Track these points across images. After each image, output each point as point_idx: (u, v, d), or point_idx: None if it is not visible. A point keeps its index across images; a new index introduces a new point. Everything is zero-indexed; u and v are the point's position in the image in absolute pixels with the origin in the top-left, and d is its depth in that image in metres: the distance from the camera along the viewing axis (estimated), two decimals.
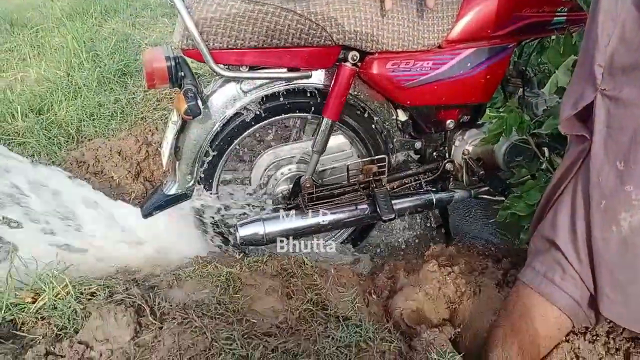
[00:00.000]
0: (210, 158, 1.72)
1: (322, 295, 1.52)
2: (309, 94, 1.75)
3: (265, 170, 1.89)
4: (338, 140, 1.90)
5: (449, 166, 2.00)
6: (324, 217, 1.80)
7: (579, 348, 1.31)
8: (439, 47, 1.73)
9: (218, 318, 1.36)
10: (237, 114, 1.69)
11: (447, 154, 2.02)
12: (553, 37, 1.86)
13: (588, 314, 1.22)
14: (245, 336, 1.31)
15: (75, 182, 1.92)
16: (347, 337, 1.36)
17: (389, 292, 1.71)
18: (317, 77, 1.73)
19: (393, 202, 1.84)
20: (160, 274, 1.56)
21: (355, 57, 1.67)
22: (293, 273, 1.61)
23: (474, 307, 1.57)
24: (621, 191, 1.08)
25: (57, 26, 4.21)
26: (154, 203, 1.73)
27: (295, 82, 1.70)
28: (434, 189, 1.99)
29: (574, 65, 1.49)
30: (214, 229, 1.85)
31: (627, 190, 1.07)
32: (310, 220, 1.78)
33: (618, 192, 1.08)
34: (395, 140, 1.91)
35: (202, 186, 1.76)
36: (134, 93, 3.12)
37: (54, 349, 1.25)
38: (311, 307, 1.47)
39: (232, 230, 1.83)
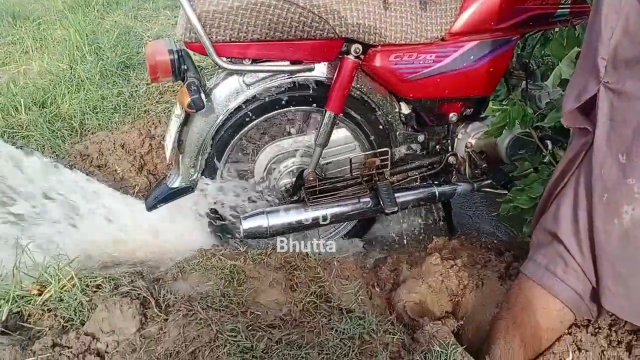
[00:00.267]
0: (213, 151, 1.73)
1: (325, 287, 1.53)
2: (311, 87, 1.75)
3: (268, 163, 1.89)
4: (341, 134, 1.90)
5: (451, 159, 2.01)
6: (327, 210, 1.80)
7: (581, 340, 1.31)
8: (442, 39, 1.73)
9: (223, 310, 1.37)
10: (240, 107, 1.69)
11: (450, 147, 2.02)
12: (556, 29, 1.86)
13: (590, 307, 1.22)
14: (250, 328, 1.32)
15: (79, 175, 1.93)
16: (350, 329, 1.36)
17: (392, 285, 1.72)
18: (320, 70, 1.73)
19: (396, 195, 1.84)
20: (165, 267, 1.57)
21: (358, 50, 1.67)
22: (296, 266, 1.62)
23: (477, 300, 1.58)
24: (623, 184, 1.08)
25: (59, 19, 4.21)
26: (158, 196, 1.74)
27: (298, 75, 1.71)
28: (436, 182, 2.00)
29: (577, 57, 1.49)
30: (217, 222, 1.86)
31: (630, 183, 1.07)
32: (313, 213, 1.79)
33: (620, 185, 1.09)
34: (398, 133, 1.91)
35: (205, 179, 1.77)
36: (136, 86, 3.12)
37: (61, 340, 1.27)
38: (315, 300, 1.48)
39: (235, 222, 1.84)
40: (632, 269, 1.12)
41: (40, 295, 1.41)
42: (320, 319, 1.40)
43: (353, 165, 1.83)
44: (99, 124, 2.73)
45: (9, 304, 1.37)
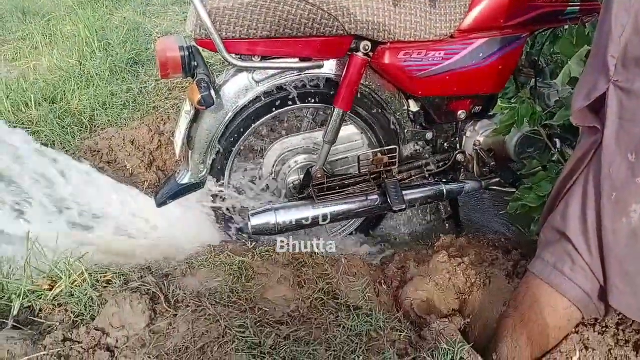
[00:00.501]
0: (222, 148, 1.74)
1: (333, 284, 1.54)
2: (320, 84, 1.76)
3: (276, 160, 1.90)
4: (349, 131, 1.90)
5: (460, 157, 2.00)
6: (335, 208, 1.81)
7: (588, 339, 1.32)
8: (451, 37, 1.73)
9: (231, 306, 1.38)
10: (249, 104, 1.70)
11: (458, 145, 2.02)
12: (566, 27, 1.85)
13: (598, 306, 1.22)
14: (258, 324, 1.33)
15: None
16: (357, 326, 1.37)
17: (399, 283, 1.73)
18: (329, 67, 1.73)
19: (404, 192, 1.84)
20: (174, 263, 1.59)
21: (367, 47, 1.67)
22: (304, 263, 1.63)
23: (484, 298, 1.58)
24: (632, 183, 1.08)
25: (68, 14, 4.22)
26: (167, 192, 1.75)
27: (307, 72, 1.71)
28: (444, 180, 2.00)
29: (587, 56, 1.48)
30: (226, 218, 1.87)
31: (638, 182, 1.07)
32: (321, 210, 1.79)
33: (629, 184, 1.08)
34: (406, 130, 1.92)
35: (214, 176, 1.78)
36: (145, 82, 3.14)
37: (71, 335, 1.28)
38: (322, 297, 1.49)
39: (244, 219, 1.85)
40: (639, 267, 1.12)
41: (51, 290, 1.42)
42: (328, 315, 1.41)
43: (361, 162, 1.84)
44: (109, 120, 2.75)
45: (21, 298, 1.38)
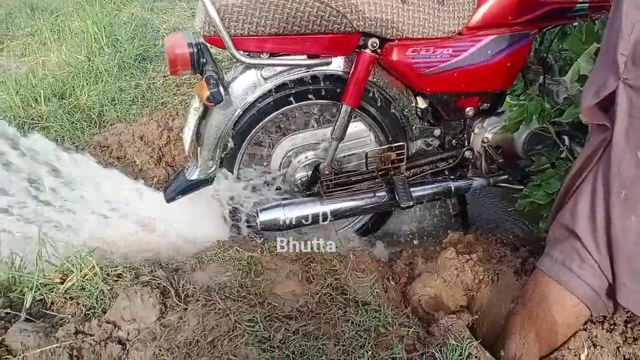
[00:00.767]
0: (231, 144, 1.75)
1: (341, 280, 1.55)
2: (328, 81, 1.76)
3: (284, 156, 1.91)
4: (357, 128, 1.91)
5: (468, 154, 2.00)
6: (343, 204, 1.82)
7: (596, 336, 1.32)
8: (460, 34, 1.73)
9: (240, 300, 1.39)
10: (257, 101, 1.71)
11: (466, 142, 2.02)
12: (575, 24, 1.84)
13: (606, 303, 1.22)
14: (267, 318, 1.34)
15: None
16: (366, 321, 1.38)
17: (407, 279, 1.73)
18: (337, 64, 1.74)
19: (411, 189, 1.85)
20: (184, 257, 1.60)
21: (375, 44, 1.67)
22: (313, 258, 1.64)
23: (492, 295, 1.59)
24: None
25: (76, 10, 4.24)
26: (176, 188, 1.77)
27: (315, 68, 1.72)
28: (452, 177, 2.00)
29: (597, 53, 1.48)
30: (234, 214, 1.88)
31: None
32: (329, 206, 1.80)
33: (639, 181, 1.08)
34: (414, 127, 1.92)
35: (223, 172, 1.79)
36: (153, 78, 3.15)
37: (83, 327, 1.30)
38: (331, 292, 1.50)
39: (252, 215, 1.86)
40: None
41: (62, 283, 1.44)
42: (336, 311, 1.42)
43: (369, 159, 1.84)
44: (117, 116, 2.77)
45: (33, 291, 1.40)
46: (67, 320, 1.33)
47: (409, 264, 1.79)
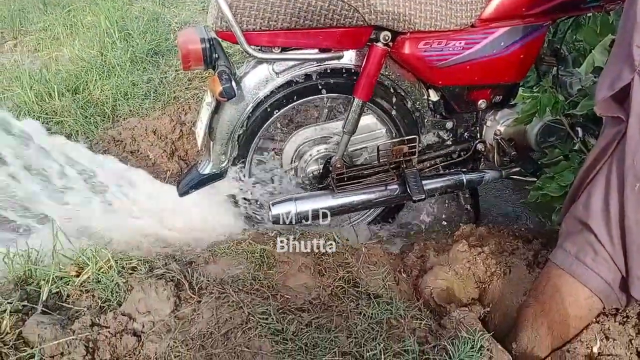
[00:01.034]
0: (243, 139, 1.76)
1: (353, 273, 1.55)
2: (340, 75, 1.76)
3: (296, 150, 1.92)
4: (369, 121, 1.91)
5: (480, 146, 2.00)
6: (354, 197, 1.82)
7: (609, 329, 1.32)
8: (472, 26, 1.72)
9: (254, 293, 1.40)
10: (269, 95, 1.72)
11: (478, 135, 2.01)
12: (589, 15, 1.82)
13: (619, 296, 1.22)
14: (280, 311, 1.35)
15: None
16: (378, 314, 1.39)
17: (418, 271, 1.74)
18: (349, 58, 1.74)
19: (423, 182, 1.85)
20: (197, 251, 1.62)
21: (387, 37, 1.67)
22: (324, 251, 1.64)
23: (504, 287, 1.59)
24: None
25: (88, 5, 4.27)
26: (189, 182, 1.78)
27: (326, 62, 1.72)
28: (464, 170, 1.99)
29: (611, 45, 1.47)
30: (247, 208, 1.89)
31: None
32: (340, 200, 1.81)
33: None
34: (426, 120, 1.91)
35: (235, 166, 1.80)
36: (165, 72, 3.17)
37: (99, 320, 1.31)
38: (343, 285, 1.51)
39: (264, 208, 1.88)
40: None
41: (78, 276, 1.46)
42: (349, 303, 1.43)
43: (380, 152, 1.84)
44: (130, 110, 2.79)
45: (49, 284, 1.42)
46: (83, 313, 1.35)
47: (421, 256, 1.79)
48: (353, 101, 1.73)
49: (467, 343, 1.27)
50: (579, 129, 1.78)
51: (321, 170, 1.91)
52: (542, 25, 1.77)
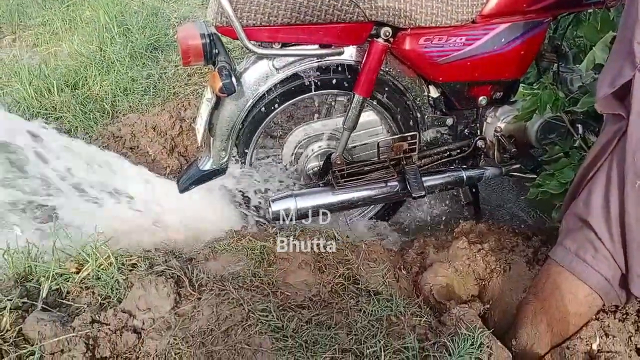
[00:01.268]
0: (243, 134, 1.75)
1: (353, 270, 1.55)
2: (340, 71, 1.76)
3: (296, 146, 1.91)
4: (369, 117, 1.90)
5: (480, 143, 1.99)
6: (354, 194, 1.82)
7: (608, 326, 1.32)
8: (473, 22, 1.71)
9: (254, 290, 1.40)
10: (269, 91, 1.71)
11: (478, 131, 2.01)
12: (590, 11, 1.81)
13: (619, 293, 1.22)
14: (280, 308, 1.36)
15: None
16: (378, 311, 1.39)
17: (418, 268, 1.74)
18: (349, 54, 1.73)
19: (423, 179, 1.84)
20: (197, 247, 1.61)
21: (387, 33, 1.66)
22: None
23: (504, 284, 1.59)
24: None
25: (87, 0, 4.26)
26: (189, 178, 1.78)
27: (327, 58, 1.71)
28: (464, 166, 1.99)
29: (612, 41, 1.46)
30: (247, 204, 1.89)
31: None
32: (340, 196, 1.81)
33: None
34: (426, 116, 1.91)
35: (236, 162, 1.80)
36: (165, 68, 3.16)
37: (99, 317, 1.32)
38: (343, 281, 1.51)
39: (264, 204, 1.87)
40: None
41: (78, 273, 1.46)
42: (349, 300, 1.43)
43: (381, 149, 1.84)
44: (130, 106, 2.78)
45: (49, 281, 1.42)
46: (83, 310, 1.35)
47: (421, 253, 1.80)
48: (353, 97, 1.72)
49: (467, 340, 1.28)
50: (579, 126, 1.78)
51: (321, 167, 1.90)
52: (543, 21, 1.76)
